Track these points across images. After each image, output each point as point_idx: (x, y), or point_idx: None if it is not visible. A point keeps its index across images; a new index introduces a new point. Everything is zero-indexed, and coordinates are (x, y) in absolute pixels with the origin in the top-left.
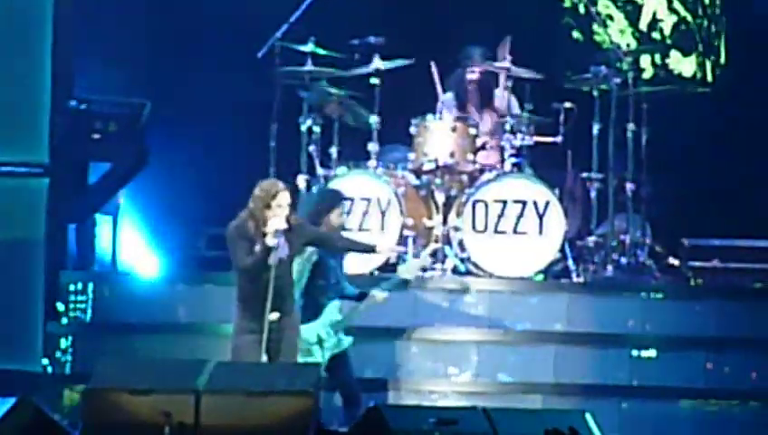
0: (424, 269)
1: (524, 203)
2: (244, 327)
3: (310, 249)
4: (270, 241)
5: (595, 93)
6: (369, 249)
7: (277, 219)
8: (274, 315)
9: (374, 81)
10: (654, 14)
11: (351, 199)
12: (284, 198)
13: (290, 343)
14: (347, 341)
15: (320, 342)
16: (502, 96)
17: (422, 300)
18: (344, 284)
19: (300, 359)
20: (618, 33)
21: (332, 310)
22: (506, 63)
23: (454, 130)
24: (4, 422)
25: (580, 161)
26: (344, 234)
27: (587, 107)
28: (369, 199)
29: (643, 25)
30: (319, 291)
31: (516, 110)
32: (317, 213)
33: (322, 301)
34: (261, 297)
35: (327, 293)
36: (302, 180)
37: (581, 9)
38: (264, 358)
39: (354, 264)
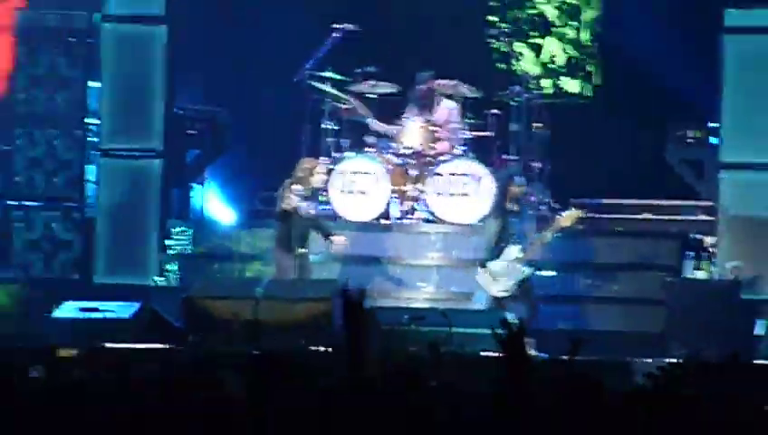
0: (581, 219)
1: (469, 174)
2: (279, 256)
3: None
4: (292, 200)
5: (513, 103)
6: (327, 235)
7: (298, 188)
8: (301, 250)
9: (371, 95)
10: (551, 52)
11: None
12: (320, 169)
13: (307, 269)
14: (527, 270)
15: (507, 273)
16: (444, 105)
17: (401, 238)
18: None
19: (491, 284)
20: (528, 64)
21: (513, 250)
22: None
23: (421, 128)
24: (132, 320)
25: (503, 148)
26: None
27: (507, 112)
28: (368, 173)
29: (544, 59)
30: (503, 239)
31: (457, 115)
32: (501, 187)
33: (505, 245)
34: (288, 237)
35: (509, 240)
36: (323, 161)
37: (505, 49)
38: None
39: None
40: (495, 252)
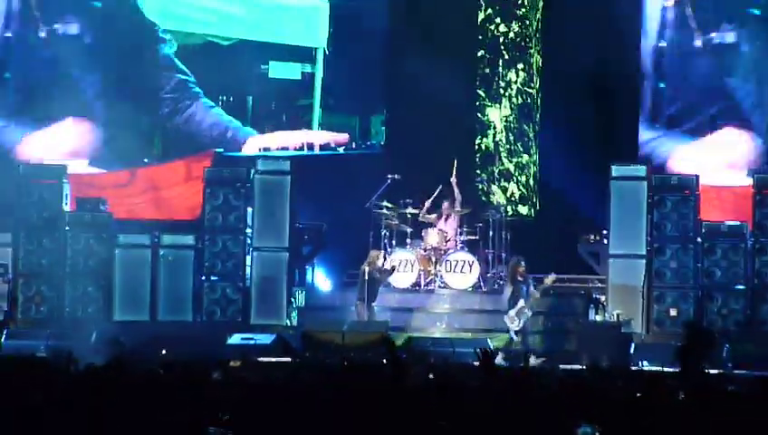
0: (546, 292)
1: (465, 261)
2: (358, 307)
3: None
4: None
5: (491, 220)
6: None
7: (368, 269)
8: (372, 304)
9: (410, 214)
10: (511, 190)
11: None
12: (380, 257)
13: (373, 314)
14: (529, 314)
15: (518, 315)
16: (452, 220)
17: (427, 297)
18: (528, 294)
19: (511, 324)
20: (499, 198)
21: (521, 303)
22: (457, 206)
23: (437, 234)
24: (272, 345)
25: (485, 246)
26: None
27: (487, 225)
28: (407, 260)
29: (508, 195)
30: (515, 297)
31: (459, 226)
32: (512, 266)
33: (521, 300)
34: (363, 296)
35: (522, 297)
36: (381, 253)
37: (486, 189)
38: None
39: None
40: (511, 304)
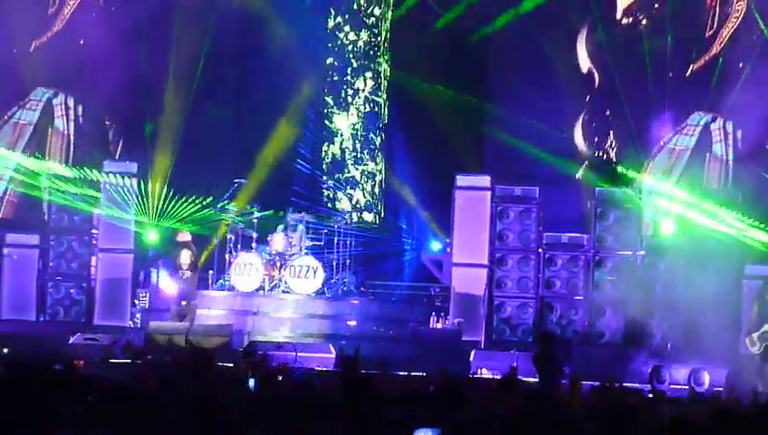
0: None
1: (309, 266)
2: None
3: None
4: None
5: (336, 226)
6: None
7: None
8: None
9: (255, 217)
10: (357, 198)
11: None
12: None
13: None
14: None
15: (760, 339)
16: (299, 228)
17: (270, 302)
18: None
19: (752, 346)
20: (345, 204)
21: (765, 326)
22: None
23: (283, 239)
24: (114, 345)
25: (329, 251)
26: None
27: (331, 235)
28: (252, 264)
29: (353, 202)
30: (763, 318)
31: (304, 232)
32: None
33: (763, 323)
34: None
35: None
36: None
37: (331, 194)
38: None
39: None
40: (756, 325)
